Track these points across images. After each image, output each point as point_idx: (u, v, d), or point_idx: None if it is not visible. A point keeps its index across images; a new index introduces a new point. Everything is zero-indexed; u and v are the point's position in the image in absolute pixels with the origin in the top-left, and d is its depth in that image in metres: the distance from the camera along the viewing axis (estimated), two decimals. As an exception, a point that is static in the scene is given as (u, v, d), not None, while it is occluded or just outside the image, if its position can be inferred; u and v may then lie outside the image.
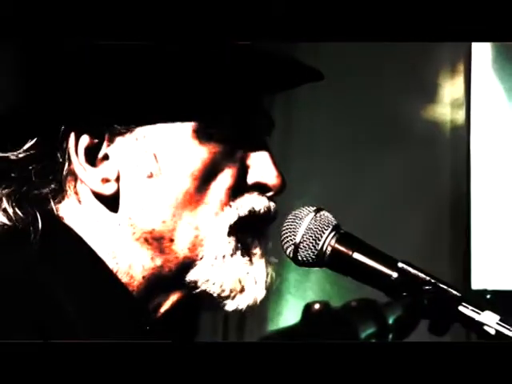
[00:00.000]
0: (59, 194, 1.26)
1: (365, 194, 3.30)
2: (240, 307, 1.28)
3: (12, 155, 1.24)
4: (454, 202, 3.25)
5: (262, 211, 1.28)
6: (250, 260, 1.27)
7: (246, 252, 1.27)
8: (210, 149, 1.24)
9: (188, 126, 1.24)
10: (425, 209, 3.28)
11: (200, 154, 1.24)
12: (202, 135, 1.24)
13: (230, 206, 1.26)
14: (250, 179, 1.28)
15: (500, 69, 3.15)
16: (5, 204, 1.24)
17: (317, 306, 0.72)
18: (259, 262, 1.28)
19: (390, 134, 3.30)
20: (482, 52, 3.18)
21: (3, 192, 1.25)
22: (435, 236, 3.24)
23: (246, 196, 1.27)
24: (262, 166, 1.29)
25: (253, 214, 1.27)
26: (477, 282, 3.10)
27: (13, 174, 1.25)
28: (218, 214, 1.25)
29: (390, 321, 0.88)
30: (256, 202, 1.28)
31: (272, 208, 1.29)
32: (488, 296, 3.07)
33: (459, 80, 3.26)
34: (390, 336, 0.88)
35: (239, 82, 1.27)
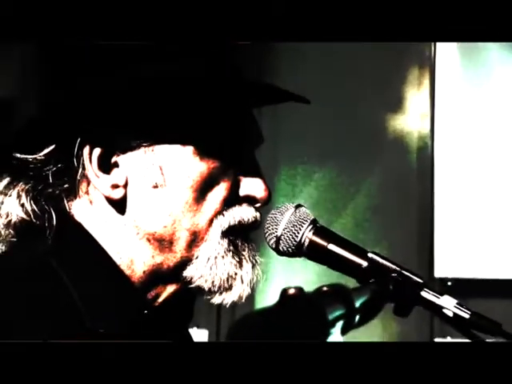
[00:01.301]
0: (72, 193, 1.27)
1: (343, 194, 3.31)
2: (225, 302, 1.29)
3: (31, 157, 1.24)
4: (420, 201, 3.25)
5: (249, 220, 1.29)
6: (239, 262, 1.29)
7: (236, 254, 1.28)
8: (208, 164, 1.26)
9: (190, 145, 1.26)
10: (395, 206, 3.28)
11: (200, 169, 1.26)
12: (202, 153, 1.26)
13: (223, 214, 1.27)
14: (242, 192, 1.30)
15: (463, 78, 3.15)
16: (23, 199, 1.25)
17: (292, 291, 0.72)
18: (247, 264, 1.29)
19: (365, 143, 3.31)
20: (446, 61, 3.18)
21: (22, 188, 1.26)
22: (404, 230, 3.24)
23: (237, 207, 1.29)
24: (251, 181, 1.30)
25: (242, 222, 1.28)
26: (439, 271, 3.11)
27: (31, 173, 1.25)
28: (212, 221, 1.26)
29: (358, 304, 0.89)
30: (245, 213, 1.29)
31: (258, 217, 1.30)
32: (449, 283, 3.08)
33: (425, 92, 3.26)
34: (357, 317, 0.89)
35: (233, 108, 1.30)
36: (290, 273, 2.89)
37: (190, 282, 1.28)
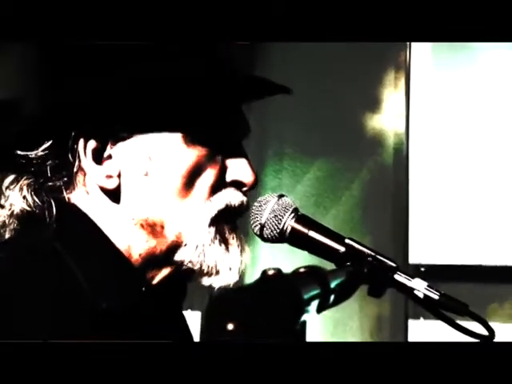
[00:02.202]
0: (70, 185, 1.26)
1: (324, 186, 3.31)
2: (214, 285, 1.29)
3: (31, 154, 1.23)
4: (396, 193, 3.25)
5: (237, 204, 1.28)
6: (227, 248, 1.28)
7: (223, 242, 1.28)
8: (196, 152, 1.25)
9: (178, 134, 1.25)
10: (374, 198, 3.29)
11: (188, 156, 1.25)
12: (189, 141, 1.25)
13: (211, 200, 1.26)
14: (229, 177, 1.29)
15: (436, 80, 3.15)
16: (25, 192, 1.25)
17: (271, 272, 0.72)
18: (234, 251, 1.28)
19: (345, 141, 3.32)
20: (420, 65, 3.18)
21: (24, 182, 1.25)
22: (380, 219, 3.25)
23: (224, 191, 1.28)
24: (238, 166, 1.29)
25: (229, 206, 1.28)
26: (413, 257, 3.11)
27: (32, 169, 1.25)
28: (200, 208, 1.26)
29: (333, 285, 0.87)
30: (232, 197, 1.28)
31: (245, 201, 1.30)
32: (422, 269, 3.08)
33: (401, 94, 3.26)
34: (332, 297, 0.88)
35: (220, 98, 1.28)
36: (279, 259, 2.89)
37: (182, 265, 1.28)
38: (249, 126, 1.34)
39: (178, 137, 1.24)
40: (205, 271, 1.27)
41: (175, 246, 1.26)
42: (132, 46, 1.22)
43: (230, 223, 1.29)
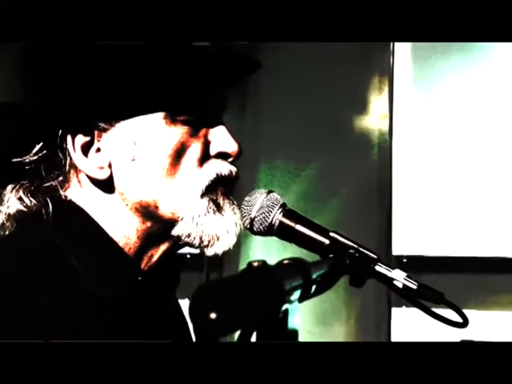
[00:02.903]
0: (65, 183, 1.25)
1: (314, 182, 3.31)
2: (217, 252, 1.27)
3: (25, 159, 1.22)
4: (380, 189, 3.26)
5: (226, 173, 1.26)
6: (222, 214, 1.26)
7: (218, 209, 1.26)
8: (177, 130, 1.23)
9: (158, 115, 1.22)
10: (359, 194, 3.29)
11: (170, 135, 1.22)
12: (170, 121, 1.22)
13: (200, 173, 1.24)
14: (213, 150, 1.26)
15: (417, 84, 3.15)
16: (21, 194, 1.24)
17: (255, 264, 0.71)
18: (229, 215, 1.27)
19: (334, 140, 3.33)
20: (403, 70, 3.18)
21: (20, 186, 1.24)
22: (365, 213, 3.25)
23: (211, 163, 1.26)
24: (221, 138, 1.27)
25: (219, 176, 1.26)
26: (396, 249, 3.11)
27: (27, 173, 1.23)
28: (190, 182, 1.24)
29: (314, 276, 0.87)
30: (220, 167, 1.26)
31: (233, 170, 1.28)
32: (404, 260, 3.08)
33: (385, 97, 3.26)
34: (313, 288, 0.87)
35: (196, 75, 1.25)
36: (270, 252, 2.89)
37: (180, 240, 1.26)
38: (227, 98, 1.31)
39: (159, 118, 1.22)
40: (205, 241, 1.25)
41: (172, 222, 1.24)
42: (122, 41, 1.20)
43: (222, 190, 1.27)
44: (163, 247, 1.27)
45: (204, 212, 1.24)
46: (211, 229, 1.25)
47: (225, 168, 1.26)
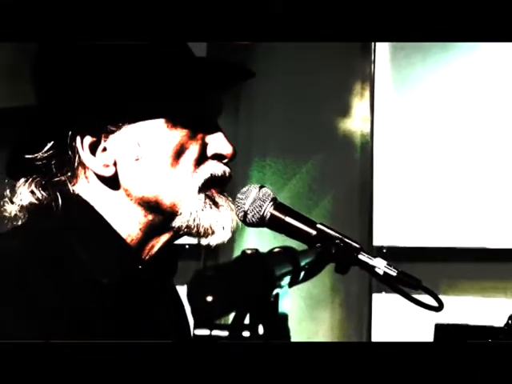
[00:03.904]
0: (73, 178, 1.24)
1: (303, 180, 3.31)
2: (212, 244, 1.27)
3: (37, 155, 1.22)
4: (362, 185, 3.26)
5: (220, 174, 1.26)
6: (218, 211, 1.26)
7: (214, 205, 1.26)
8: (178, 133, 1.23)
9: (160, 120, 1.23)
10: (343, 190, 3.29)
11: (171, 138, 1.23)
12: (171, 125, 1.23)
13: (197, 172, 1.24)
14: (209, 152, 1.27)
15: (396, 90, 3.15)
16: (33, 187, 1.23)
17: (249, 251, 0.71)
18: (225, 211, 1.26)
19: (319, 141, 3.33)
20: (383, 77, 3.18)
21: (32, 180, 1.24)
22: (349, 207, 3.25)
23: (207, 164, 1.26)
24: (217, 141, 1.27)
25: (214, 176, 1.26)
26: (377, 240, 3.12)
27: (39, 168, 1.23)
28: (188, 180, 1.24)
29: (303, 263, 0.86)
30: (215, 168, 1.26)
31: (227, 171, 1.28)
32: (384, 250, 3.08)
33: (366, 101, 3.27)
34: (302, 274, 0.87)
35: (195, 84, 1.26)
36: (262, 242, 2.88)
37: (179, 231, 1.26)
38: (222, 103, 1.31)
39: (161, 122, 1.22)
40: (202, 233, 1.25)
41: (171, 216, 1.24)
42: (118, 44, 1.20)
43: (218, 188, 1.27)
44: (164, 238, 1.27)
45: (201, 207, 1.24)
46: (207, 222, 1.25)
47: (219, 168, 1.27)
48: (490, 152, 2.93)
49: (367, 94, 3.27)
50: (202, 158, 1.25)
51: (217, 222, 1.25)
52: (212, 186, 1.26)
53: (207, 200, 1.25)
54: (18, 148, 1.23)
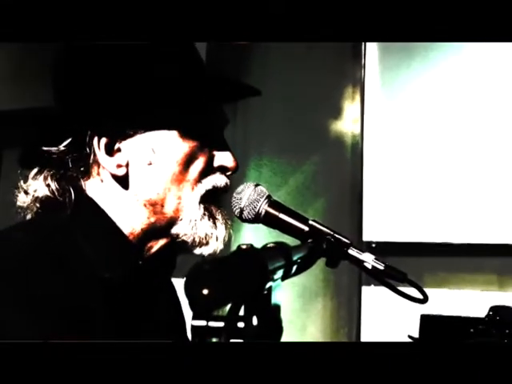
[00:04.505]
0: (86, 175, 1.25)
1: (296, 178, 3.31)
2: (204, 253, 1.28)
3: (54, 149, 1.22)
4: (352, 182, 3.26)
5: (222, 185, 1.29)
6: (214, 223, 1.27)
7: (211, 218, 1.27)
8: (189, 145, 1.24)
9: (174, 130, 1.24)
10: (335, 187, 3.29)
11: (183, 148, 1.24)
12: (183, 136, 1.24)
13: (201, 182, 1.26)
14: (215, 163, 1.29)
15: (385, 93, 3.15)
16: (49, 181, 1.24)
17: (244, 246, 0.71)
18: (220, 225, 1.28)
19: (313, 141, 3.32)
20: (372, 81, 3.18)
21: (47, 173, 1.24)
22: (340, 204, 3.25)
23: (212, 175, 1.27)
24: (222, 155, 1.29)
25: (216, 187, 1.27)
26: (366, 235, 3.11)
27: (55, 161, 1.23)
28: (193, 189, 1.25)
29: (295, 258, 0.86)
30: (218, 179, 1.28)
31: (228, 183, 1.30)
32: (373, 245, 3.08)
33: (357, 104, 3.27)
34: (294, 268, 0.87)
35: (204, 99, 1.28)
36: (257, 237, 2.88)
37: (177, 237, 1.27)
38: (227, 118, 1.34)
39: (174, 133, 1.24)
40: (197, 242, 1.26)
41: (173, 221, 1.25)
42: (133, 48, 1.20)
43: (216, 202, 1.29)
44: (162, 242, 1.28)
45: (200, 217, 1.25)
46: (203, 232, 1.26)
47: (222, 180, 1.29)
48: (474, 152, 2.93)
49: (358, 96, 3.27)
50: (208, 170, 1.27)
51: (212, 233, 1.26)
52: (212, 198, 1.28)
53: (206, 212, 1.27)
54: (36, 140, 1.24)
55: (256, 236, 2.92)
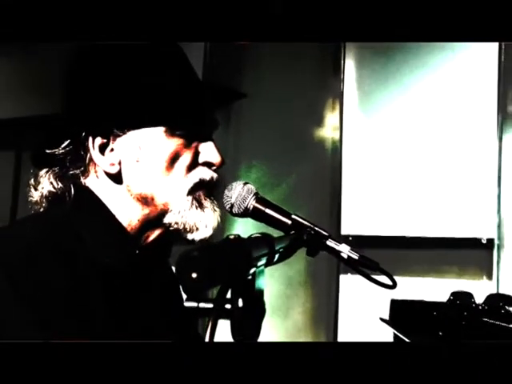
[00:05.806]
0: (85, 173, 1.24)
1: (281, 178, 3.31)
2: (196, 239, 1.27)
3: (55, 151, 1.22)
4: (332, 184, 3.26)
5: (208, 179, 1.26)
6: (203, 211, 1.25)
7: (200, 207, 1.25)
8: (174, 142, 1.22)
9: (160, 128, 1.22)
10: (315, 187, 3.29)
11: (168, 145, 1.22)
12: (169, 134, 1.22)
13: (188, 177, 1.24)
14: (201, 159, 1.26)
15: (362, 106, 3.15)
16: (52, 179, 1.23)
17: (231, 236, 0.70)
18: (209, 212, 1.26)
19: (296, 146, 3.33)
20: (351, 94, 3.18)
21: (52, 172, 1.23)
22: (321, 201, 3.26)
23: (197, 170, 1.25)
24: (208, 151, 1.26)
25: (202, 180, 1.25)
26: (344, 229, 3.12)
27: (57, 162, 1.23)
28: (180, 183, 1.23)
29: (277, 247, 0.85)
30: (204, 173, 1.26)
31: (215, 177, 1.28)
32: (350, 238, 3.08)
33: (337, 113, 3.28)
34: (276, 256, 0.86)
35: (192, 101, 1.26)
36: (246, 229, 2.87)
37: (170, 227, 1.25)
38: (218, 122, 1.31)
39: (161, 130, 1.21)
40: (188, 229, 1.25)
41: (164, 212, 1.24)
42: (130, 49, 1.18)
43: (205, 192, 1.26)
44: (157, 232, 1.26)
45: (188, 207, 1.24)
46: (192, 220, 1.24)
47: (208, 174, 1.26)
48: (441, 153, 2.94)
49: (337, 106, 3.28)
50: (193, 165, 1.24)
51: (200, 221, 1.25)
52: (200, 189, 1.25)
53: (194, 201, 1.24)
54: (42, 143, 1.23)
55: (245, 228, 2.92)
